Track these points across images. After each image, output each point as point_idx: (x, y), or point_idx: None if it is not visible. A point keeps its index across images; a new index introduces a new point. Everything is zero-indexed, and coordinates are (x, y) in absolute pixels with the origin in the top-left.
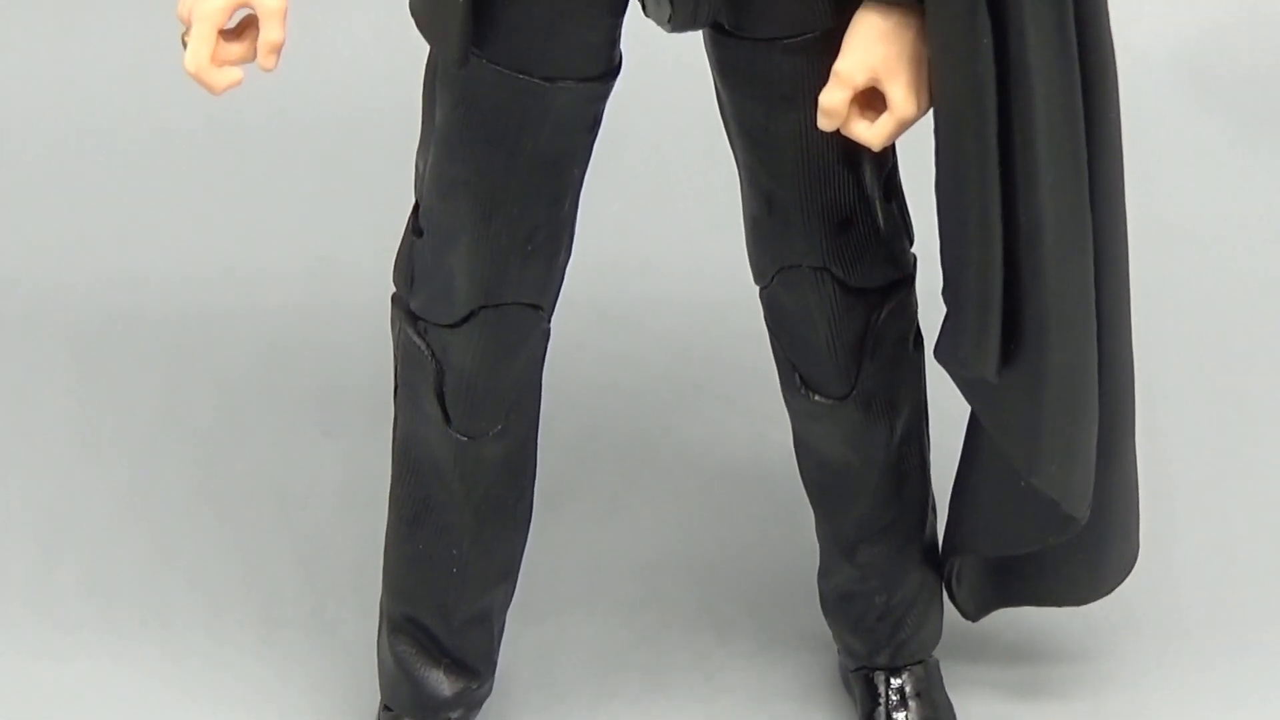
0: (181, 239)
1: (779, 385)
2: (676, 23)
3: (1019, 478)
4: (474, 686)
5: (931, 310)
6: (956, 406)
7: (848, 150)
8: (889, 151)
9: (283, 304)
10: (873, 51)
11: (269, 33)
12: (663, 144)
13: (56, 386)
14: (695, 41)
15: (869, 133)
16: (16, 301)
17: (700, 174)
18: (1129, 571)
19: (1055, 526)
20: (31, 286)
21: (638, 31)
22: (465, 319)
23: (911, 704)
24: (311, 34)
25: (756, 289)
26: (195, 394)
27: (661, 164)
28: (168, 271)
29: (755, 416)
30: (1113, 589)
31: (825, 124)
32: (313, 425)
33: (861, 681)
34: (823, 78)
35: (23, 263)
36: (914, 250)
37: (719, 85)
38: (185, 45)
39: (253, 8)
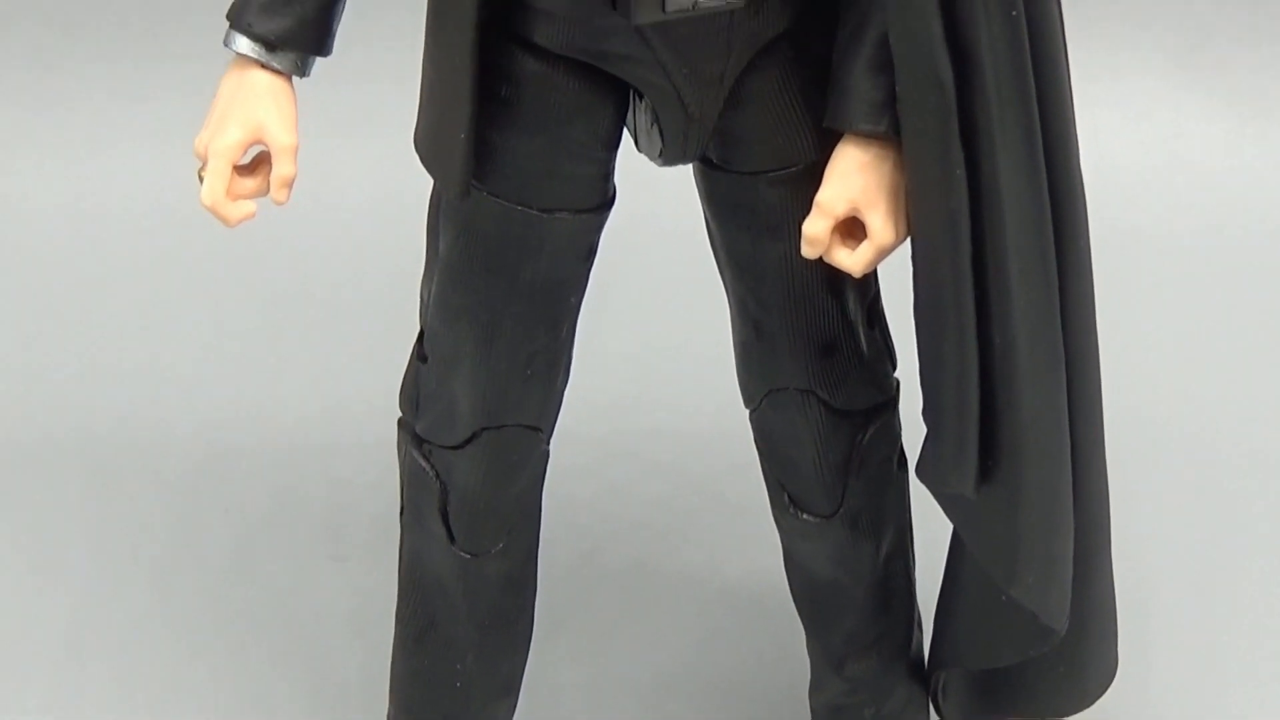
0: (194, 373)
1: (769, 507)
2: (667, 157)
3: (1000, 592)
4: None
5: (915, 434)
6: (940, 525)
7: (831, 278)
8: (871, 280)
9: (292, 436)
10: (853, 182)
11: (281, 168)
12: (654, 275)
13: (75, 516)
14: (686, 175)
15: (850, 260)
16: (38, 434)
17: (691, 305)
18: (1109, 683)
19: (1035, 639)
20: (53, 420)
21: (631, 165)
22: (468, 440)
23: None
24: (319, 171)
25: (746, 418)
26: (209, 523)
27: (653, 294)
28: (181, 405)
29: (747, 541)
30: (1094, 701)
31: (809, 251)
32: (322, 551)
33: None
34: (807, 208)
35: (45, 397)
36: (897, 375)
37: (708, 216)
38: (201, 180)
39: (266, 144)
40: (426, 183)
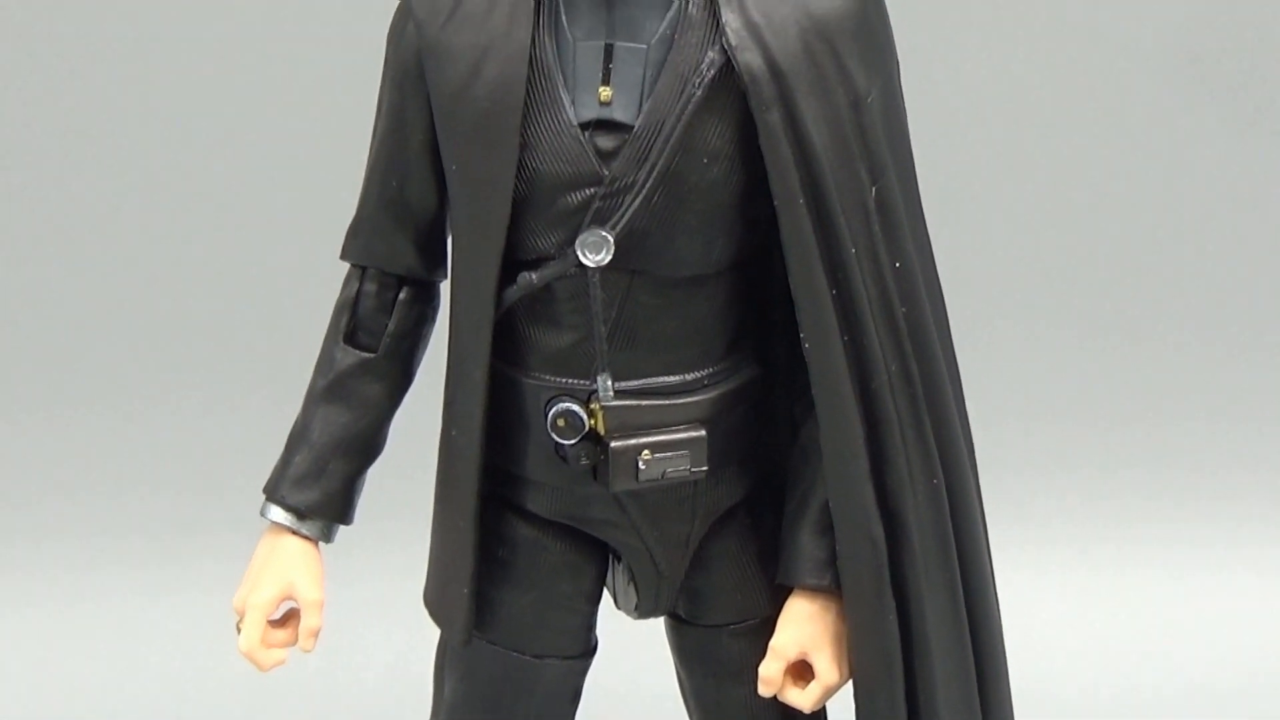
0: None
1: None
2: (642, 610)
3: None
4: None
5: None
6: None
7: (787, 719)
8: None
9: None
10: (802, 630)
11: (309, 619)
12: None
13: None
14: (657, 628)
15: (801, 697)
16: None
17: None
18: None
19: None
20: None
21: (609, 620)
22: None
23: None
24: (339, 625)
25: None
26: None
27: None
28: None
29: None
30: None
31: (764, 690)
32: None
33: None
34: (763, 655)
35: None
36: None
37: (678, 665)
38: (239, 631)
39: (295, 600)
40: (433, 636)
